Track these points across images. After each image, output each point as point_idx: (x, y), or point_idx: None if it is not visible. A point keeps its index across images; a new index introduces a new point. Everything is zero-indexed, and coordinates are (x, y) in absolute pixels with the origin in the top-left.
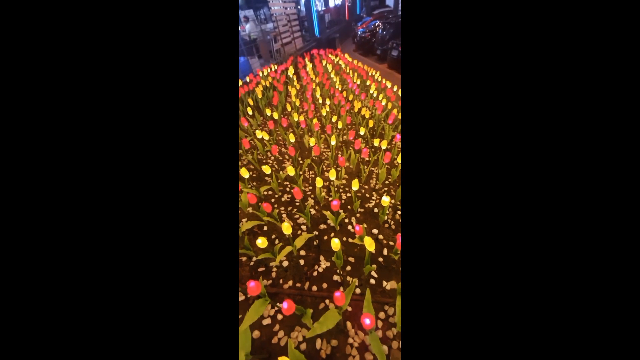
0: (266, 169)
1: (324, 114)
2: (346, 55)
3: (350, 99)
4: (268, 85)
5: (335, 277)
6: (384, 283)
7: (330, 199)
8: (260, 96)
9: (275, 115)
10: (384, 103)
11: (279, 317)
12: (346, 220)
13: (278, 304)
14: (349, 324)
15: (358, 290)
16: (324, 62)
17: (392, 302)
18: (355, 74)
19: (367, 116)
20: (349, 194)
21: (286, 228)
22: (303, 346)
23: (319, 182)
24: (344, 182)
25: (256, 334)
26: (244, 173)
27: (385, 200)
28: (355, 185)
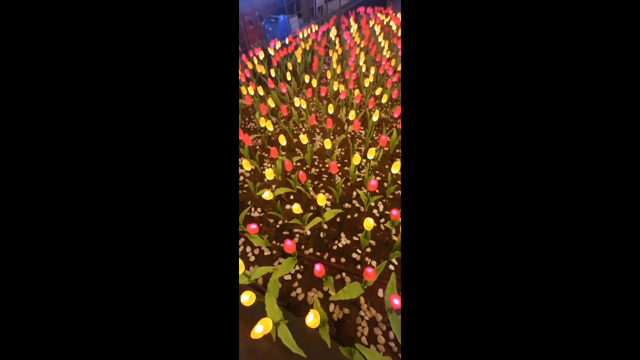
0: (303, 139)
1: (366, 85)
2: (398, 16)
3: (399, 69)
4: (308, 48)
5: (354, 255)
6: None
7: (359, 179)
8: (299, 60)
9: (314, 83)
10: None
11: (299, 276)
12: (372, 204)
13: (299, 266)
14: (362, 298)
15: (383, 265)
16: (371, 23)
17: None
18: None
19: None
20: (379, 178)
21: (321, 200)
22: (317, 304)
23: (357, 159)
24: (378, 161)
25: (279, 285)
26: (282, 140)
27: None
28: (395, 167)
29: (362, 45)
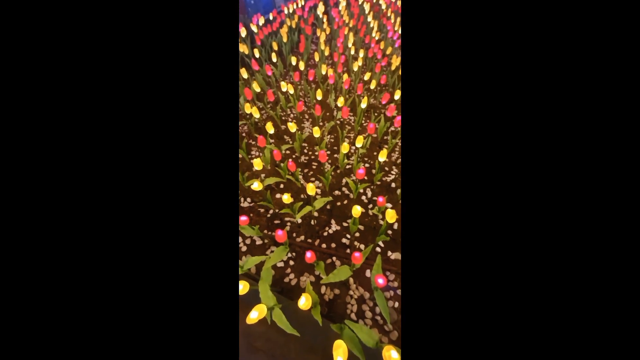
0: (292, 127)
1: (355, 69)
2: None
3: (388, 52)
4: (294, 26)
5: (344, 240)
6: (389, 253)
7: (349, 166)
8: (285, 39)
9: (301, 66)
10: None
11: (291, 262)
12: (361, 190)
13: (291, 253)
14: (351, 279)
15: (369, 249)
16: (360, 0)
17: (395, 270)
18: (398, 20)
19: None
20: (367, 165)
21: (311, 189)
22: (309, 287)
23: (345, 148)
24: (367, 149)
25: (272, 272)
26: (269, 128)
27: None
28: (382, 155)
29: (350, 25)
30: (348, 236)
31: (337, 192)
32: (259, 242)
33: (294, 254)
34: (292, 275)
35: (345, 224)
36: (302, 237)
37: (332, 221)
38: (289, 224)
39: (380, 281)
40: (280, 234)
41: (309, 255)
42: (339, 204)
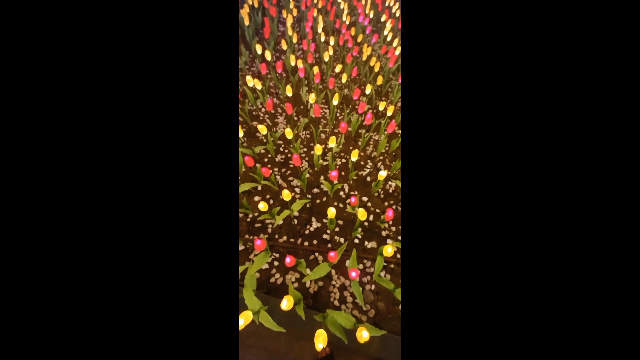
0: (262, 129)
1: (326, 59)
2: None
3: (359, 40)
4: (256, 5)
5: (325, 236)
6: (366, 243)
7: (325, 163)
8: (247, 22)
9: (268, 55)
10: (397, 52)
11: (275, 263)
12: (338, 186)
13: (275, 254)
14: (333, 271)
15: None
16: None
17: (371, 257)
18: (369, 1)
19: (376, 69)
20: (344, 160)
21: (286, 195)
22: (295, 284)
23: (318, 150)
24: (341, 147)
25: (257, 275)
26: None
27: (382, 174)
28: (354, 155)
29: (320, 6)
30: (329, 232)
31: (316, 190)
32: (241, 247)
33: (277, 254)
34: (277, 275)
35: (325, 220)
36: (285, 238)
37: (313, 219)
38: (270, 226)
39: (354, 274)
40: (259, 244)
41: (288, 260)
42: (318, 201)
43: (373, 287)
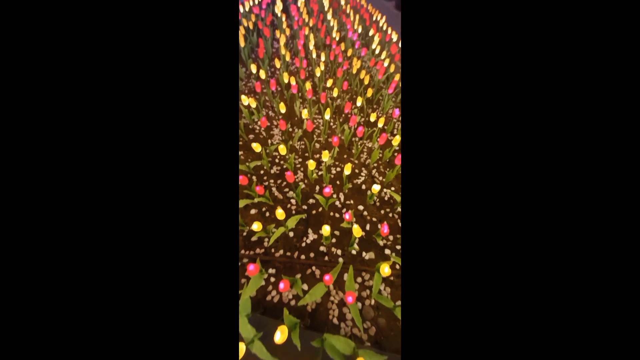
0: (257, 147)
1: (317, 74)
2: None
3: (349, 54)
4: (251, 27)
5: (322, 248)
6: (364, 254)
7: (320, 173)
8: (242, 44)
9: (263, 74)
10: (386, 64)
11: (272, 279)
12: (334, 196)
13: (271, 269)
14: (331, 286)
15: (341, 259)
16: None
17: (369, 269)
18: (357, 17)
19: (366, 82)
20: (338, 168)
21: (280, 215)
22: (292, 302)
23: (312, 165)
24: (335, 156)
25: (252, 293)
26: None
27: (376, 188)
28: (347, 169)
29: (310, 24)
30: (324, 243)
31: (311, 200)
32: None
33: (274, 270)
34: (273, 292)
35: (321, 232)
36: (281, 252)
37: (309, 230)
38: (266, 239)
39: (350, 299)
40: (251, 269)
41: (282, 286)
42: (314, 212)
43: (373, 301)
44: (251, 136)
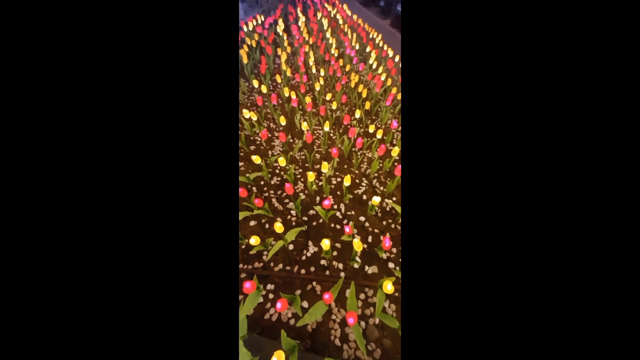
0: (256, 159)
1: (317, 88)
2: (345, 7)
3: (347, 69)
4: (254, 45)
5: (322, 262)
6: (366, 267)
7: (320, 183)
8: (245, 61)
9: (264, 89)
10: (383, 78)
11: (270, 296)
12: (335, 207)
13: (269, 285)
14: (332, 303)
15: (342, 274)
16: (319, 15)
17: (372, 285)
18: (355, 35)
19: (364, 95)
20: (339, 179)
21: (278, 228)
22: (292, 321)
23: (311, 177)
24: (335, 167)
25: (249, 312)
26: None
27: (376, 200)
28: (347, 180)
29: (310, 42)
30: (325, 257)
31: (311, 212)
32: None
33: (273, 285)
34: (272, 310)
35: (324, 254)
36: (280, 266)
37: (309, 243)
38: (265, 253)
39: (351, 320)
40: (248, 287)
41: (279, 306)
42: (314, 223)
43: (377, 320)
44: (252, 147)
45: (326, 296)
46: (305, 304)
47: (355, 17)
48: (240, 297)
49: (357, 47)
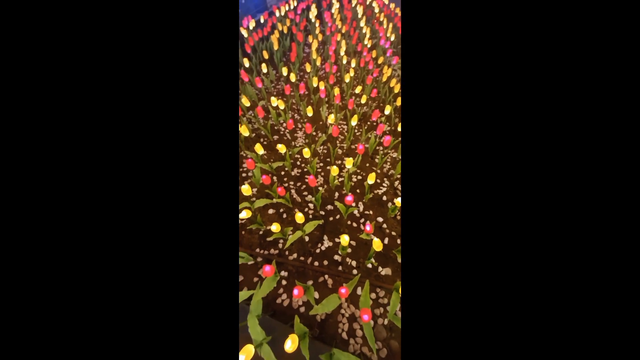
0: (281, 149)
1: (347, 80)
2: None
3: (379, 62)
4: (285, 31)
5: (336, 257)
6: (380, 269)
7: (341, 179)
8: (276, 47)
9: (293, 77)
10: None
11: (283, 282)
12: (353, 209)
13: (283, 272)
14: (343, 298)
15: (355, 271)
16: (353, 2)
17: (385, 286)
18: (391, 26)
19: (396, 90)
20: (359, 177)
21: (299, 218)
22: (302, 309)
23: (334, 171)
24: (358, 164)
25: (265, 294)
26: (258, 149)
27: (399, 201)
28: (371, 178)
29: (343, 31)
30: (340, 252)
31: (329, 207)
32: (251, 262)
33: (286, 272)
34: (284, 296)
35: (337, 240)
36: (295, 255)
37: (325, 236)
38: (281, 241)
39: (366, 317)
40: (267, 270)
41: (296, 292)
42: (331, 218)
43: (386, 321)
44: (275, 137)
45: (342, 290)
46: (316, 295)
47: (392, 5)
48: (256, 279)
49: (393, 38)
